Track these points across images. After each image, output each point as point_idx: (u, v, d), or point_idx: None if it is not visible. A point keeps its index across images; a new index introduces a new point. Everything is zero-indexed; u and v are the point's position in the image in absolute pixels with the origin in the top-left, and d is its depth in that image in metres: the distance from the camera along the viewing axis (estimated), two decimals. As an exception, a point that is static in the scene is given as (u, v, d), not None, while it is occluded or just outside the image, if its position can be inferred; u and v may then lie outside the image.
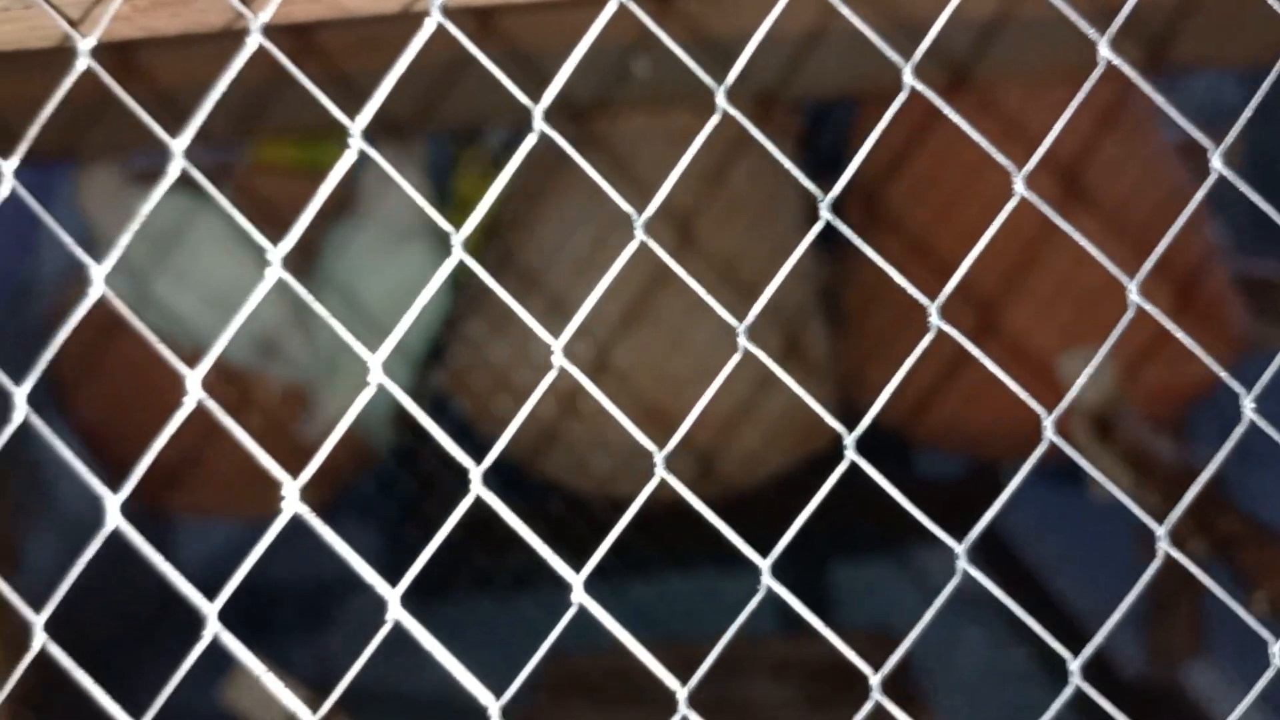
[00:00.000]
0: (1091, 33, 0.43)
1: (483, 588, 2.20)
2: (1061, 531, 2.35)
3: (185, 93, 0.71)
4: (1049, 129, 0.48)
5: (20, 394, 0.45)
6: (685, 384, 1.56)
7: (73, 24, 0.48)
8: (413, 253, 1.74)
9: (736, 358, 0.42)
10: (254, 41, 0.45)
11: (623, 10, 0.48)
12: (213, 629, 0.44)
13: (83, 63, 0.46)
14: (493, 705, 0.43)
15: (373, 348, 1.74)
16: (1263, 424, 0.41)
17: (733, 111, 0.43)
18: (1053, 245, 1.52)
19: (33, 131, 0.46)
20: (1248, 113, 0.43)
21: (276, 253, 0.43)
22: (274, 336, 1.71)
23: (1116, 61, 0.42)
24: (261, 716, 1.60)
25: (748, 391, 1.59)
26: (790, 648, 2.18)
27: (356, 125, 0.44)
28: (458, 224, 1.73)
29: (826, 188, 1.81)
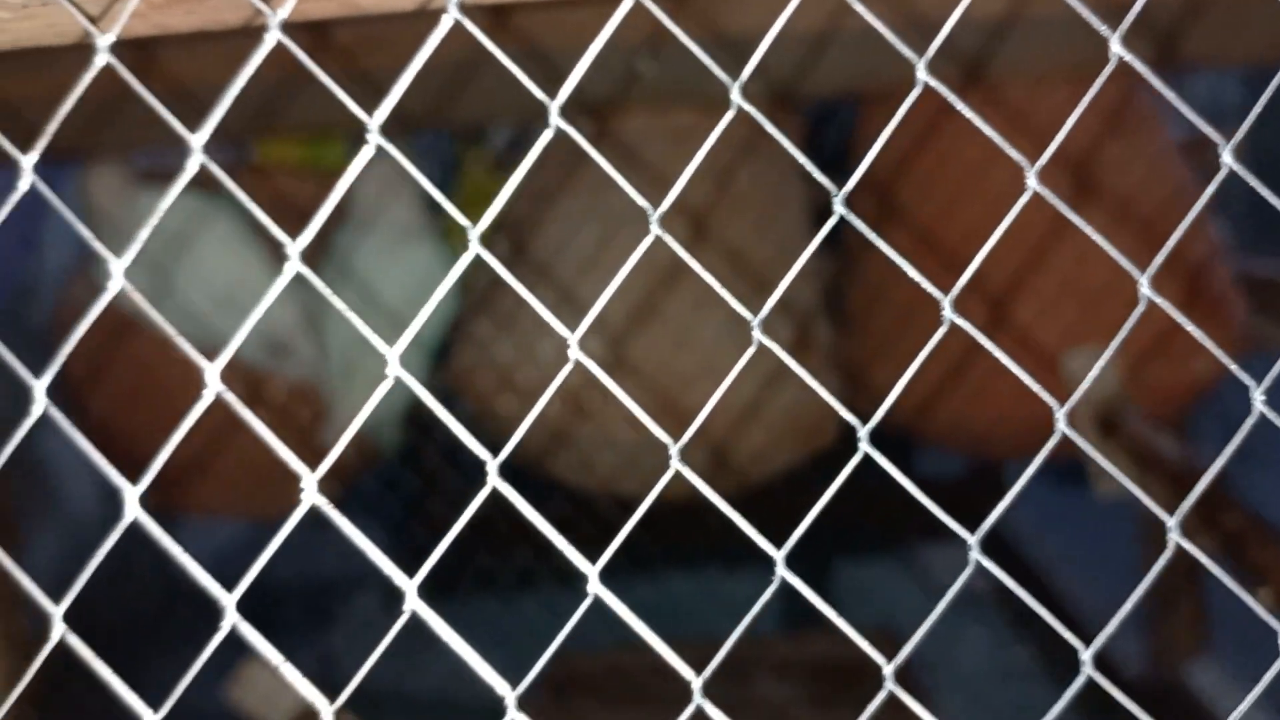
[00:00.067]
0: (1103, 29, 0.43)
1: (486, 587, 2.20)
2: (1064, 531, 2.36)
3: (197, 90, 0.72)
4: (1054, 126, 0.48)
5: (40, 386, 0.45)
6: (692, 381, 1.56)
7: (92, 20, 0.48)
8: (417, 254, 1.74)
9: (751, 350, 0.42)
10: (272, 38, 0.45)
11: (630, 8, 0.48)
12: (230, 619, 0.44)
13: (102, 59, 0.46)
14: (509, 696, 0.43)
15: (378, 352, 1.73)
16: (1272, 416, 0.42)
17: (747, 107, 0.43)
18: (1056, 244, 1.53)
19: (52, 127, 0.47)
20: (1258, 107, 0.43)
21: (295, 247, 0.43)
22: (283, 336, 1.71)
23: (1128, 58, 0.42)
24: (266, 714, 1.61)
25: (753, 390, 1.60)
26: (793, 647, 2.18)
27: (374, 121, 0.44)
28: (458, 225, 1.72)
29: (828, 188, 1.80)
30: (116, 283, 0.45)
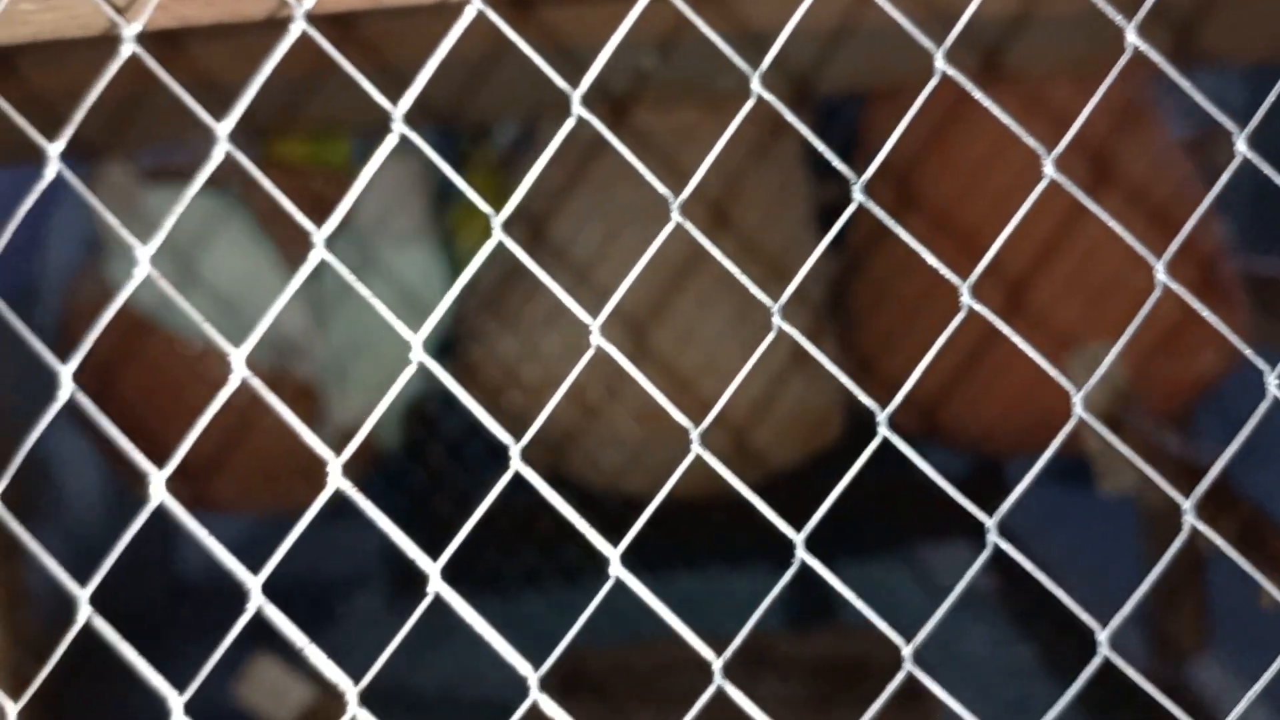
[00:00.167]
0: (1119, 19, 0.44)
1: (491, 586, 2.20)
2: (1066, 529, 2.36)
3: (215, 84, 0.72)
4: (1061, 121, 0.49)
5: (66, 372, 0.46)
6: (696, 378, 1.57)
7: (117, 12, 0.48)
8: (416, 257, 1.74)
9: (771, 336, 0.42)
10: (297, 28, 0.46)
11: (648, 3, 0.48)
12: (256, 601, 0.44)
13: (128, 48, 0.47)
14: (531, 676, 0.43)
15: (383, 348, 1.78)
16: (1285, 400, 0.42)
17: (768, 96, 0.44)
18: (1060, 243, 1.53)
19: (79, 115, 0.47)
20: (1273, 96, 0.44)
21: (320, 234, 0.44)
22: (294, 337, 1.72)
23: (1144, 47, 0.43)
24: (272, 711, 1.62)
25: (760, 387, 1.60)
26: (797, 645, 2.18)
27: (398, 110, 0.45)
28: (464, 223, 1.75)
29: (835, 185, 1.84)
30: (142, 269, 0.46)
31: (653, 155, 1.62)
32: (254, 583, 0.45)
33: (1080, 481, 1.69)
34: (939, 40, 0.48)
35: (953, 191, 1.56)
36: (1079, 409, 0.42)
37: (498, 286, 1.73)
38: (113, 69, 0.47)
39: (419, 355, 0.44)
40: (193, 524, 0.44)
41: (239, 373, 0.44)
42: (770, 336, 0.43)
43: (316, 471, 1.64)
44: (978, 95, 0.44)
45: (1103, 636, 0.43)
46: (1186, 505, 0.42)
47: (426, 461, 2.06)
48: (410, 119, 0.46)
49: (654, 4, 0.51)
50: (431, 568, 0.44)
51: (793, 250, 1.69)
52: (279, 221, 1.71)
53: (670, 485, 0.43)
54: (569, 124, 0.44)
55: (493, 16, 0.45)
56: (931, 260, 0.42)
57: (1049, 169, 0.42)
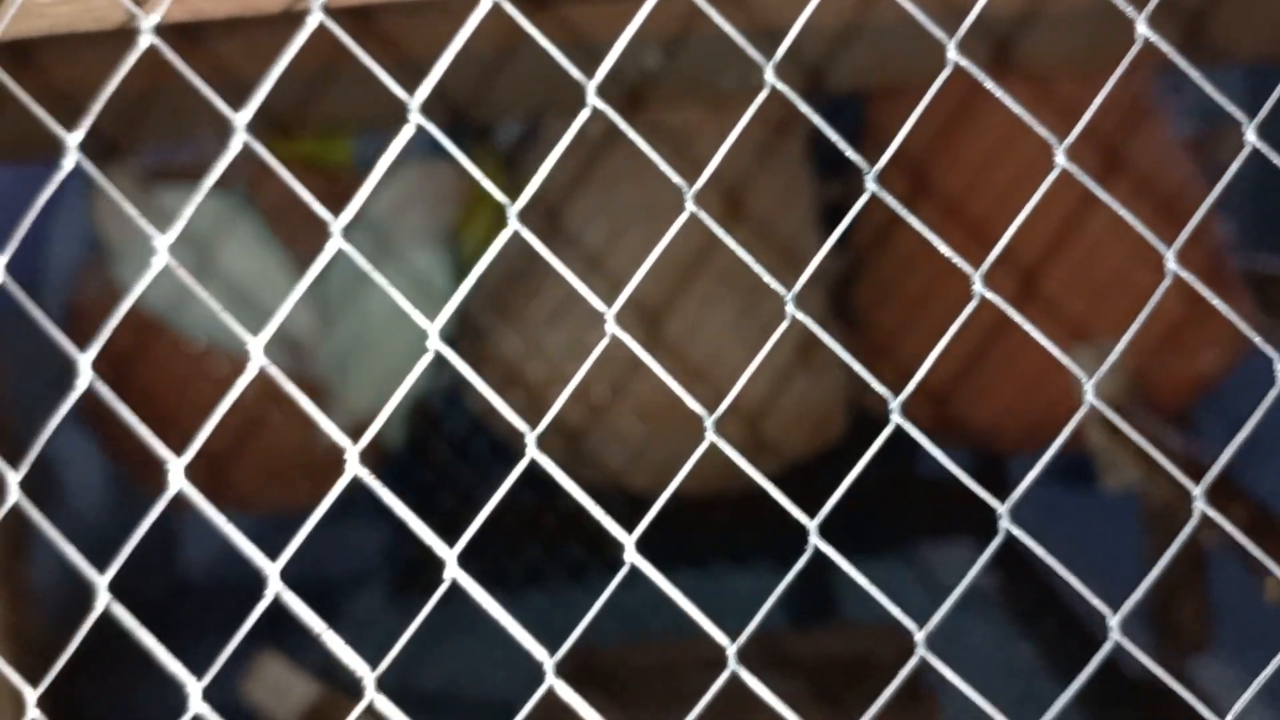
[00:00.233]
0: (1129, 10, 0.44)
1: (496, 583, 2.21)
2: (1069, 529, 2.37)
3: (225, 79, 0.72)
4: (1067, 116, 0.49)
5: (85, 360, 0.46)
6: (700, 375, 1.57)
7: (137, 2, 0.49)
8: (418, 262, 1.75)
9: (785, 325, 0.43)
10: (314, 20, 0.46)
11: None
12: (274, 588, 0.45)
13: (146, 39, 0.47)
14: (548, 662, 0.44)
15: (387, 347, 1.78)
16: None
17: (781, 87, 0.44)
18: (1061, 242, 1.54)
19: (97, 106, 0.48)
20: (1279, 92, 0.44)
21: (337, 224, 0.44)
22: (300, 336, 1.72)
23: (1154, 38, 0.43)
24: (276, 708, 1.62)
25: (764, 384, 1.61)
26: (798, 643, 2.19)
27: (415, 100, 0.45)
28: (467, 223, 1.74)
29: (838, 184, 1.84)
30: (162, 259, 0.46)
31: (663, 151, 1.63)
32: (272, 570, 0.45)
33: (1082, 480, 1.70)
34: (948, 35, 0.49)
35: (959, 187, 1.56)
36: (1090, 396, 0.42)
37: (501, 285, 1.74)
38: (130, 60, 0.47)
39: (435, 344, 0.44)
40: (211, 511, 0.45)
41: (257, 360, 0.44)
42: (784, 325, 0.43)
43: (321, 470, 1.66)
44: (990, 85, 0.44)
45: (1114, 622, 0.43)
46: (1197, 491, 0.42)
47: (431, 459, 2.07)
48: (423, 112, 0.47)
49: (663, 0, 0.51)
50: (448, 554, 0.45)
51: (796, 249, 1.69)
52: (287, 221, 1.72)
53: (685, 472, 0.44)
54: (584, 114, 0.45)
55: (509, 8, 0.45)
56: (944, 249, 0.43)
57: (1060, 158, 0.43)
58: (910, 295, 1.65)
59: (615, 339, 0.43)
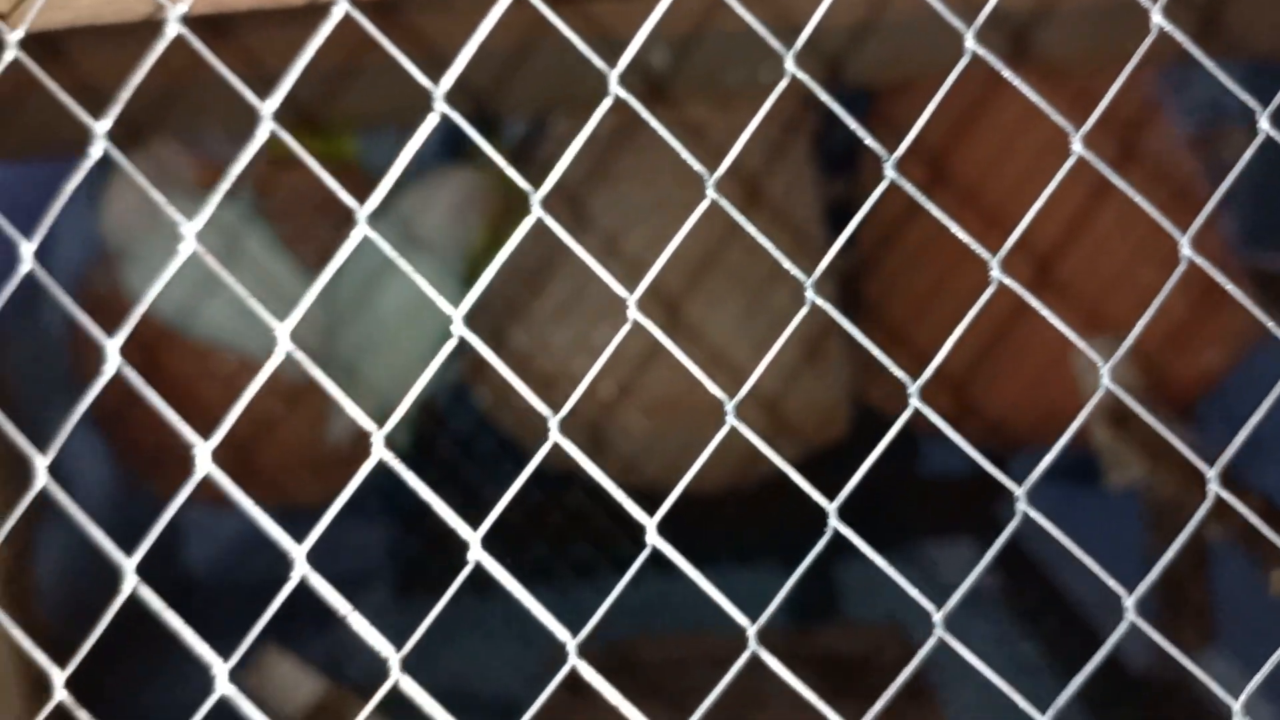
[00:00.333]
0: (1145, 0, 0.45)
1: (498, 583, 2.21)
2: (1071, 528, 2.37)
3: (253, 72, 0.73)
4: (1080, 105, 0.50)
5: (113, 346, 0.47)
6: (706, 371, 1.58)
7: (162, -7, 0.49)
8: (423, 264, 1.75)
9: (804, 311, 0.43)
10: (340, 11, 0.47)
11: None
12: (300, 570, 0.45)
13: (173, 29, 0.48)
14: (570, 643, 0.44)
15: (389, 353, 1.78)
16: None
17: (801, 76, 0.45)
18: (1068, 238, 1.54)
19: (125, 94, 0.48)
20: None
21: (363, 212, 0.45)
22: (306, 340, 1.73)
23: (1168, 28, 0.44)
24: (282, 704, 1.62)
25: (768, 381, 1.61)
26: (800, 641, 2.19)
27: (440, 89, 0.46)
28: (470, 220, 1.72)
29: (841, 183, 1.84)
30: (189, 246, 0.47)
31: (666, 150, 1.64)
32: (299, 552, 0.46)
33: (1085, 479, 1.71)
34: (962, 34, 0.49)
35: (969, 182, 1.57)
36: (1106, 380, 0.43)
37: (507, 283, 1.74)
38: (158, 50, 0.48)
39: (459, 329, 0.45)
40: (238, 494, 0.45)
41: (283, 346, 0.45)
42: (803, 311, 0.44)
43: (327, 468, 1.66)
44: (1007, 74, 0.45)
45: (1129, 603, 0.44)
46: (1211, 474, 0.43)
47: (437, 457, 2.07)
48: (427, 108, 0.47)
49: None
50: (472, 537, 0.45)
51: (803, 246, 1.70)
52: (286, 218, 1.73)
53: (706, 455, 0.44)
54: (606, 103, 0.45)
55: (535, 1, 0.46)
56: (961, 234, 0.43)
57: (1077, 145, 0.43)
58: (919, 290, 1.65)
59: (620, 331, 0.44)
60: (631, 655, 1.93)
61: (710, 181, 0.44)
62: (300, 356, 0.45)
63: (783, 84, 0.45)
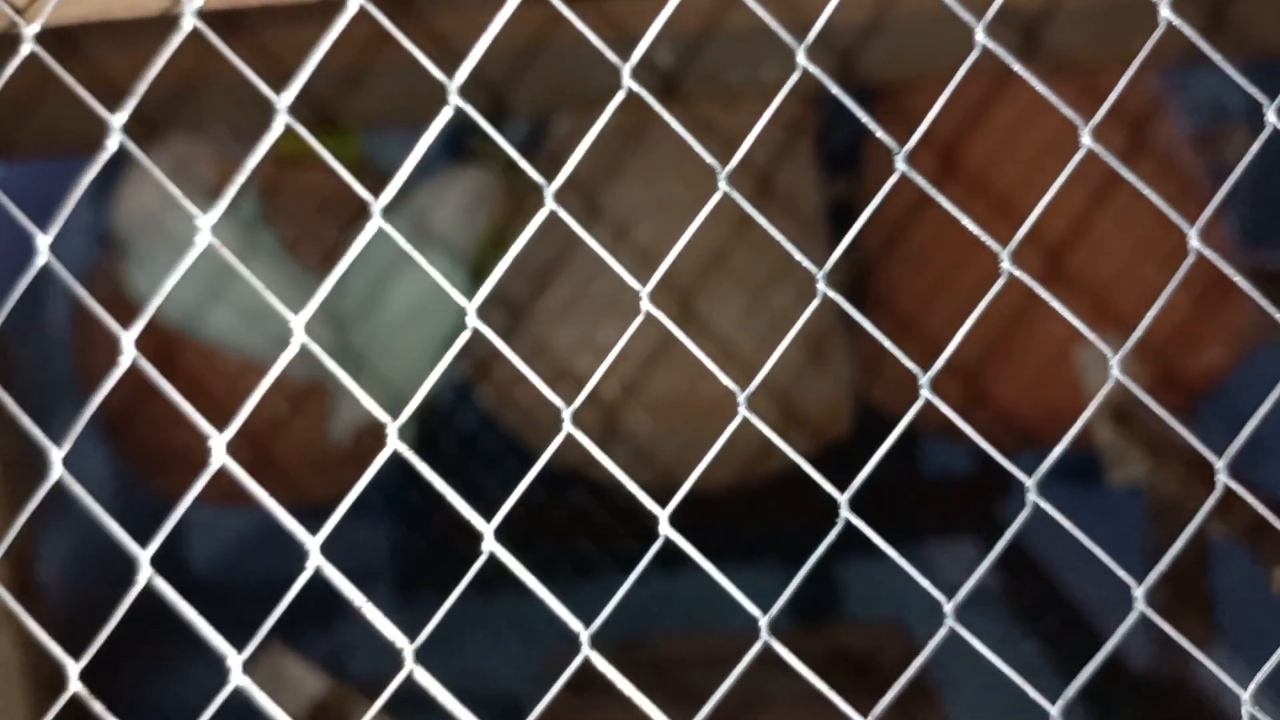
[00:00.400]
0: (1152, -7, 0.45)
1: (506, 579, 2.21)
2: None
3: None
4: (1082, 109, 0.50)
5: (128, 339, 0.47)
6: (702, 372, 1.58)
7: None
8: (433, 260, 1.75)
9: (816, 303, 0.44)
10: (354, 5, 0.47)
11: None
12: (315, 562, 0.46)
13: (189, 22, 0.48)
14: (583, 634, 0.45)
15: (392, 351, 1.78)
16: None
17: (814, 70, 0.45)
18: (1069, 238, 1.55)
19: (141, 87, 0.48)
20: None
21: (377, 204, 0.45)
22: (308, 330, 1.73)
23: (1177, 22, 0.44)
24: (287, 703, 1.63)
25: (773, 379, 1.61)
26: (802, 641, 2.19)
27: (454, 82, 0.46)
28: (477, 218, 1.73)
29: (841, 181, 1.84)
30: (204, 239, 0.47)
31: (668, 150, 1.64)
32: (313, 543, 0.46)
33: (1087, 478, 1.71)
34: (969, 31, 0.49)
35: (976, 176, 1.57)
36: (1115, 371, 0.43)
37: (510, 281, 1.75)
38: (174, 44, 0.48)
39: (473, 321, 0.45)
40: (253, 486, 0.45)
41: (299, 338, 0.45)
42: (815, 303, 0.44)
43: (329, 467, 1.65)
44: (1017, 67, 0.45)
45: (1139, 592, 0.44)
46: (1220, 464, 0.43)
47: (440, 455, 2.08)
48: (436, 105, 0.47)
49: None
50: (486, 528, 0.46)
51: (805, 246, 1.70)
52: (289, 217, 1.73)
53: (718, 447, 0.44)
54: (620, 96, 0.46)
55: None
56: (971, 226, 0.44)
57: (1086, 138, 0.44)
58: (923, 287, 1.66)
59: (633, 324, 0.44)
60: (631, 655, 1.93)
61: (723, 174, 0.45)
62: (314, 348, 0.45)
63: (794, 77, 0.45)
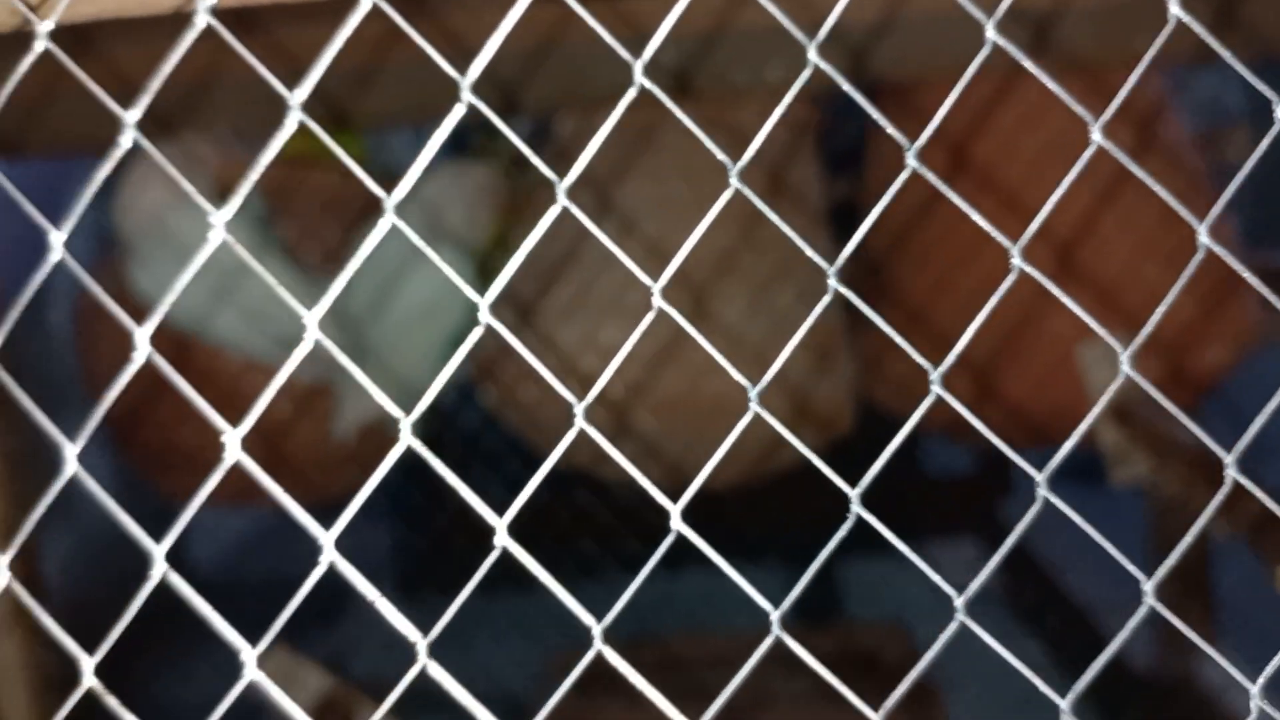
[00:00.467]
0: (1162, -9, 0.46)
1: (509, 578, 2.21)
2: (1075, 529, 2.38)
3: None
4: (1090, 107, 0.50)
5: (142, 335, 0.47)
6: (710, 368, 1.59)
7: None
8: (442, 256, 1.75)
9: (827, 299, 0.44)
10: (367, 2, 0.47)
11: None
12: (329, 557, 0.46)
13: (202, 19, 0.48)
14: (596, 628, 0.45)
15: (398, 349, 1.78)
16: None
17: (825, 67, 0.45)
18: (1071, 236, 1.55)
19: (155, 84, 0.49)
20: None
21: (390, 200, 0.45)
22: (301, 334, 1.73)
23: (1187, 20, 0.44)
24: (292, 700, 1.63)
25: (779, 377, 1.62)
26: (803, 640, 2.19)
27: (467, 80, 0.46)
28: (482, 215, 1.73)
29: (844, 181, 1.85)
30: (218, 234, 0.47)
31: (671, 150, 1.64)
32: (327, 539, 0.46)
33: (1090, 477, 1.71)
34: (979, 31, 0.50)
35: (982, 175, 1.58)
36: (1125, 366, 0.44)
37: (513, 280, 1.75)
38: (187, 40, 0.48)
39: (486, 317, 0.45)
40: (267, 481, 0.46)
41: (312, 334, 0.45)
42: (827, 298, 0.44)
43: (334, 467, 1.65)
44: (1027, 64, 0.45)
45: (1148, 586, 0.44)
46: (1229, 460, 0.43)
47: (443, 455, 2.08)
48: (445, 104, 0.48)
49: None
50: (498, 523, 0.46)
51: (809, 245, 1.71)
52: (292, 216, 1.73)
53: (730, 441, 0.45)
54: (631, 93, 0.46)
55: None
56: (981, 222, 0.44)
57: (1096, 135, 0.44)
58: (928, 286, 1.66)
59: (645, 319, 0.44)
60: (637, 655, 1.93)
61: (734, 171, 0.45)
62: (328, 344, 0.46)
63: (806, 74, 0.45)
